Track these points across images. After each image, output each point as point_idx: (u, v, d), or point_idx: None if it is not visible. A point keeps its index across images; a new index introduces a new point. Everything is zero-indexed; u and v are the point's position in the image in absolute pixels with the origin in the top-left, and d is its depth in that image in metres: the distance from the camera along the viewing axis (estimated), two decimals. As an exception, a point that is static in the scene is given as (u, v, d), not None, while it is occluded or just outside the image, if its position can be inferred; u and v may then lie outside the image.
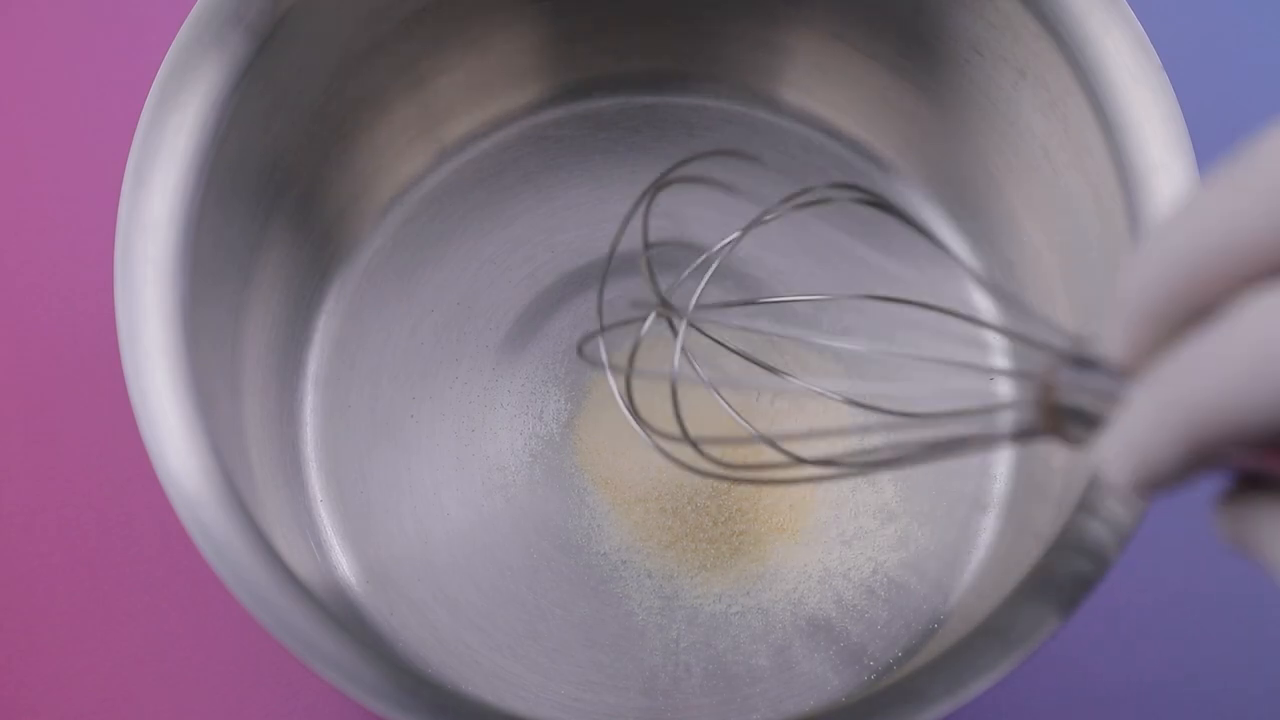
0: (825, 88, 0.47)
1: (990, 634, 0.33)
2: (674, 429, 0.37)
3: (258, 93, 0.38)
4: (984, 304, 0.45)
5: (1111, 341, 0.25)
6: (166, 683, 0.44)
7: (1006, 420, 0.30)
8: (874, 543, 0.44)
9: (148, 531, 0.45)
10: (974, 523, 0.43)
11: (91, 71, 0.50)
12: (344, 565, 0.44)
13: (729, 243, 0.39)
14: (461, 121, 0.47)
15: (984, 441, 0.30)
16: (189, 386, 0.34)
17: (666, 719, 0.43)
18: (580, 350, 0.45)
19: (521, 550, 0.44)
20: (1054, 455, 0.40)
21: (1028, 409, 0.27)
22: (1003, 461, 0.44)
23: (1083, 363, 0.26)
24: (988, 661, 0.33)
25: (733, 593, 0.45)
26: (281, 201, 0.42)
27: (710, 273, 0.40)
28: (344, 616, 0.41)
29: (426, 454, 0.45)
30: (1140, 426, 0.23)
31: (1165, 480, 0.23)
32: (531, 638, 0.43)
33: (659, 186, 0.39)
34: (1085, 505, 0.34)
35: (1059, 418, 0.27)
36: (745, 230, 0.36)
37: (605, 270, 0.44)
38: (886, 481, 0.45)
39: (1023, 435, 0.28)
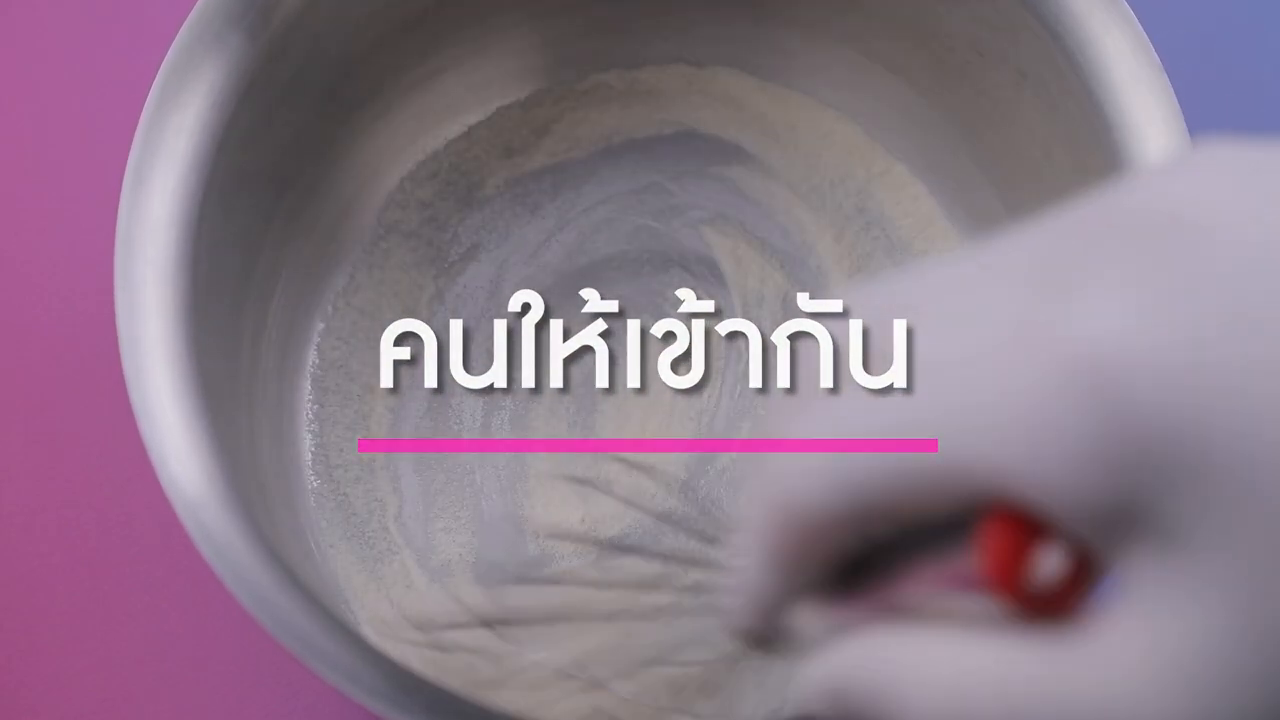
0: (825, 89, 0.47)
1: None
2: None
3: (258, 93, 0.38)
4: None
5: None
6: (166, 683, 0.44)
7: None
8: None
9: (148, 531, 0.45)
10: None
11: (91, 71, 0.50)
12: (344, 566, 0.44)
13: None
14: (461, 121, 0.47)
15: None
16: (189, 387, 0.34)
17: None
18: None
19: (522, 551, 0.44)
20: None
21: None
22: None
23: None
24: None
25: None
26: (281, 201, 0.42)
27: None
28: (344, 617, 0.41)
29: (426, 454, 0.45)
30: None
31: (766, 603, 0.25)
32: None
33: None
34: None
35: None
36: None
37: None
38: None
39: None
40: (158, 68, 0.36)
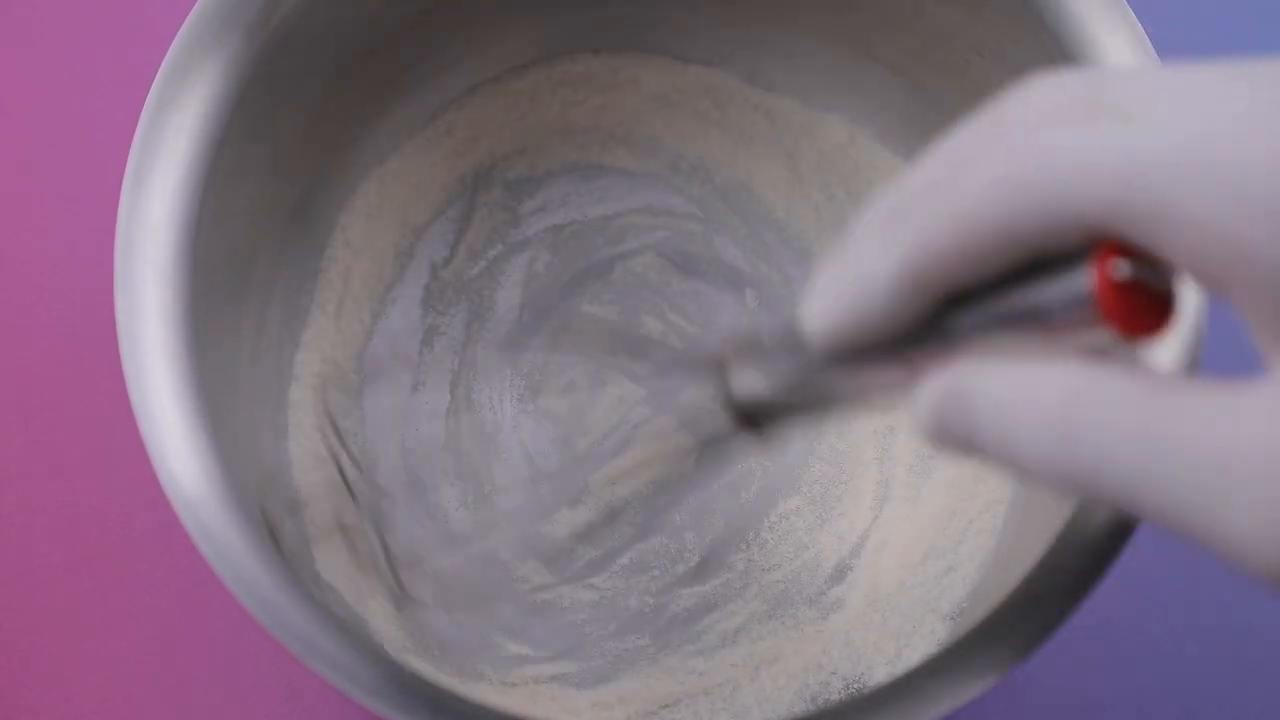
0: (824, 88, 0.47)
1: (990, 634, 0.33)
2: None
3: (257, 93, 0.38)
4: None
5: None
6: (166, 683, 0.44)
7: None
8: (873, 544, 0.44)
9: (148, 531, 0.45)
10: (974, 525, 0.43)
11: (91, 71, 0.50)
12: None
13: None
14: (461, 120, 0.47)
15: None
16: (189, 387, 0.34)
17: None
18: None
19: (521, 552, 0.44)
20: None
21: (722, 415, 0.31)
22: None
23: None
24: (988, 661, 0.33)
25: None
26: (281, 201, 0.42)
27: None
28: (344, 617, 0.41)
29: (426, 455, 0.45)
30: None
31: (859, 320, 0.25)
32: (532, 641, 0.43)
33: None
34: (1085, 507, 0.34)
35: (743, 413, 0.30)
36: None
37: None
38: (887, 482, 0.45)
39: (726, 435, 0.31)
40: (158, 68, 0.36)
